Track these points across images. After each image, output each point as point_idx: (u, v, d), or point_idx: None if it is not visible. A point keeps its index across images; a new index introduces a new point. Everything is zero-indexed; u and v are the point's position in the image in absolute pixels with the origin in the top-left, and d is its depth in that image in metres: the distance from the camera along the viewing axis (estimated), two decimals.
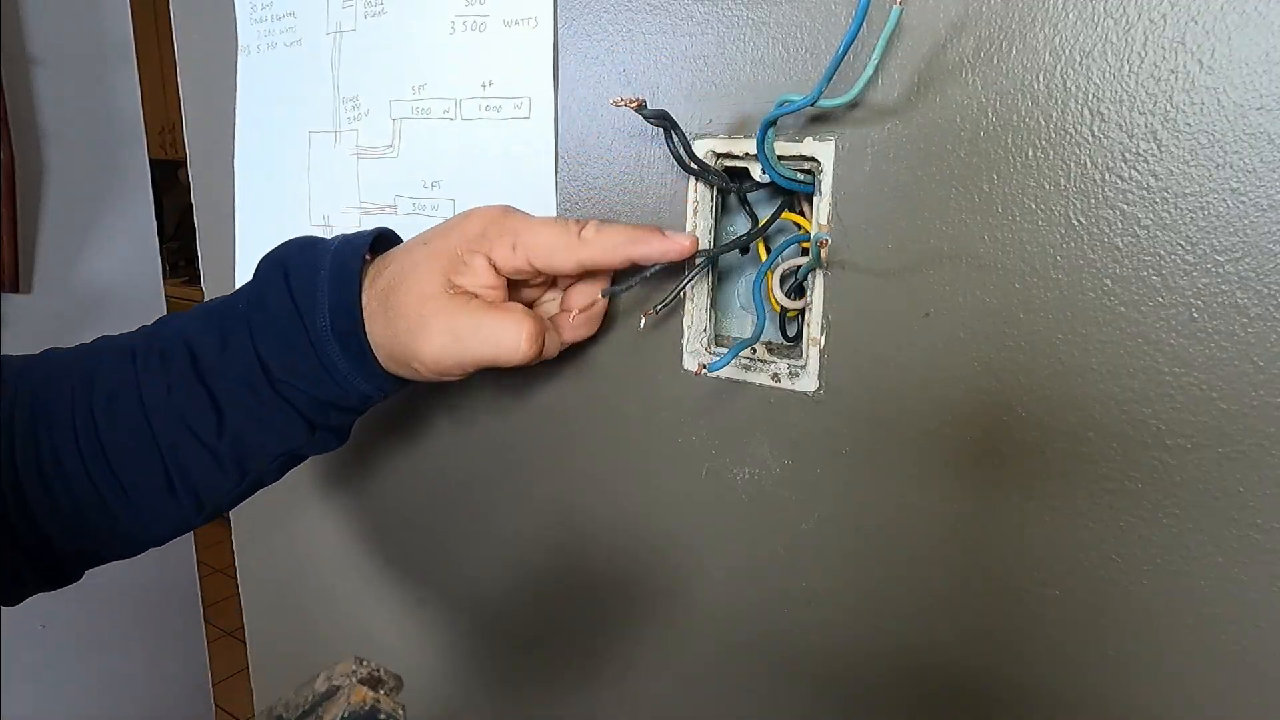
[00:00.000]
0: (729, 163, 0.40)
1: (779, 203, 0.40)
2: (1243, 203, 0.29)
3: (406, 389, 0.43)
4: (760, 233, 0.40)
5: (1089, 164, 0.31)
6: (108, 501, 0.39)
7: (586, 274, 0.41)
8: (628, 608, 0.49)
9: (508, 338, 0.37)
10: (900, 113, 0.35)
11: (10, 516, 0.38)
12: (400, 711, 0.27)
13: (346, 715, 0.26)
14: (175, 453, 0.39)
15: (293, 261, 0.40)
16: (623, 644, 0.50)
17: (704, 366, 0.37)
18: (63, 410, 0.39)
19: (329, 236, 0.41)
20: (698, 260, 0.39)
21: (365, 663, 0.28)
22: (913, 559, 0.39)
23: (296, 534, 0.68)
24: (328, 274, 0.39)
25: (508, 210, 0.39)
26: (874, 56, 0.32)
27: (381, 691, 0.27)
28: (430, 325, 0.37)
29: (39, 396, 0.39)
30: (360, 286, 0.39)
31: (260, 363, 0.39)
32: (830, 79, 0.32)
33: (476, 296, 0.38)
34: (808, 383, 0.39)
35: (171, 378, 0.39)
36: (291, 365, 0.39)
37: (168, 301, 1.39)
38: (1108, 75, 0.31)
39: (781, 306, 0.41)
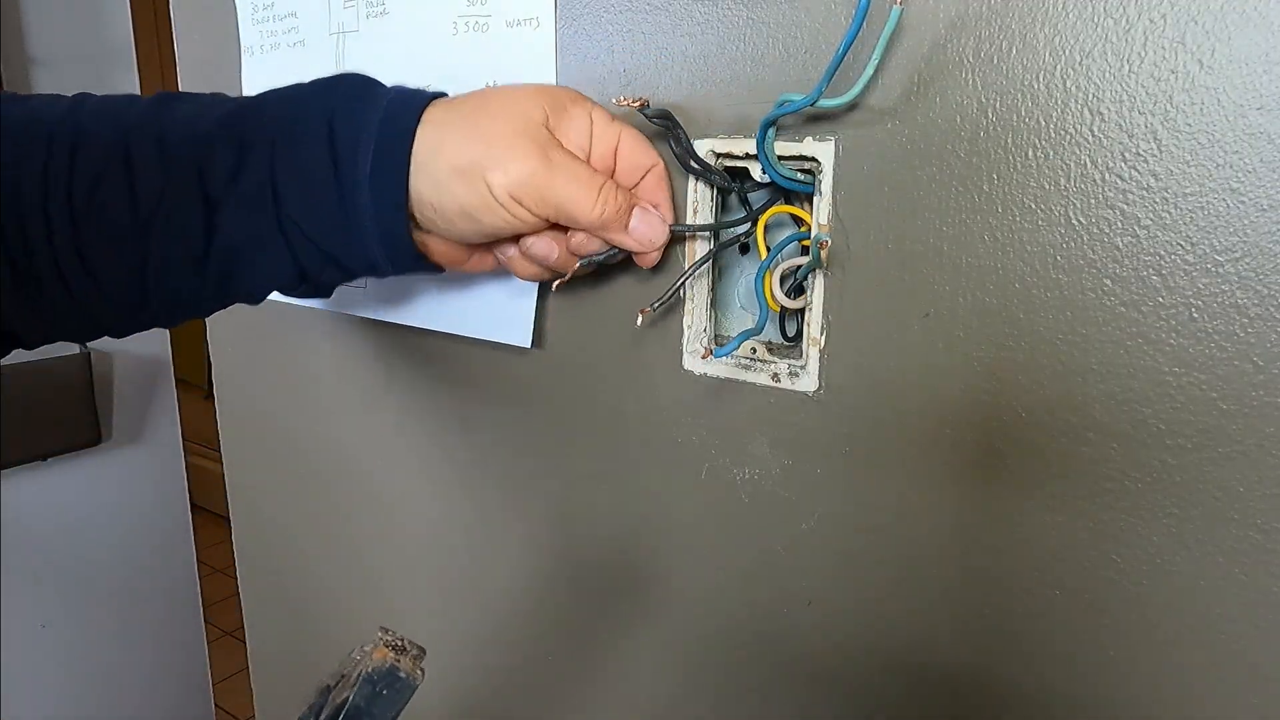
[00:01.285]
0: (729, 162, 0.40)
1: (777, 197, 0.41)
2: (1243, 203, 0.29)
3: (403, 272, 0.40)
4: (752, 217, 0.40)
5: (1089, 164, 0.31)
6: (71, 285, 0.36)
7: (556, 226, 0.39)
8: (626, 607, 0.49)
9: (590, 192, 0.36)
10: (900, 113, 0.35)
11: None
12: (419, 675, 0.29)
13: (369, 671, 0.28)
14: (160, 257, 0.36)
15: (341, 103, 0.37)
16: (621, 643, 0.50)
17: (710, 351, 0.37)
18: (33, 176, 0.35)
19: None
20: (696, 257, 0.39)
21: (390, 631, 0.30)
22: (913, 559, 0.39)
23: (297, 534, 0.68)
24: (378, 121, 0.36)
25: None
26: (874, 56, 0.32)
27: (404, 656, 0.28)
28: (523, 145, 0.35)
29: (6, 161, 0.35)
30: (411, 144, 0.36)
31: (274, 193, 0.36)
32: (830, 79, 0.32)
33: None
34: (808, 383, 0.39)
35: (170, 182, 0.36)
36: (309, 209, 0.37)
37: None
38: (1108, 75, 0.31)
39: (781, 306, 0.41)
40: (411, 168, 0.36)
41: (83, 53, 1.23)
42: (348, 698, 0.28)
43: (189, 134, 0.37)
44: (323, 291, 0.42)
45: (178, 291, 0.38)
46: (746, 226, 0.41)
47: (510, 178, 0.35)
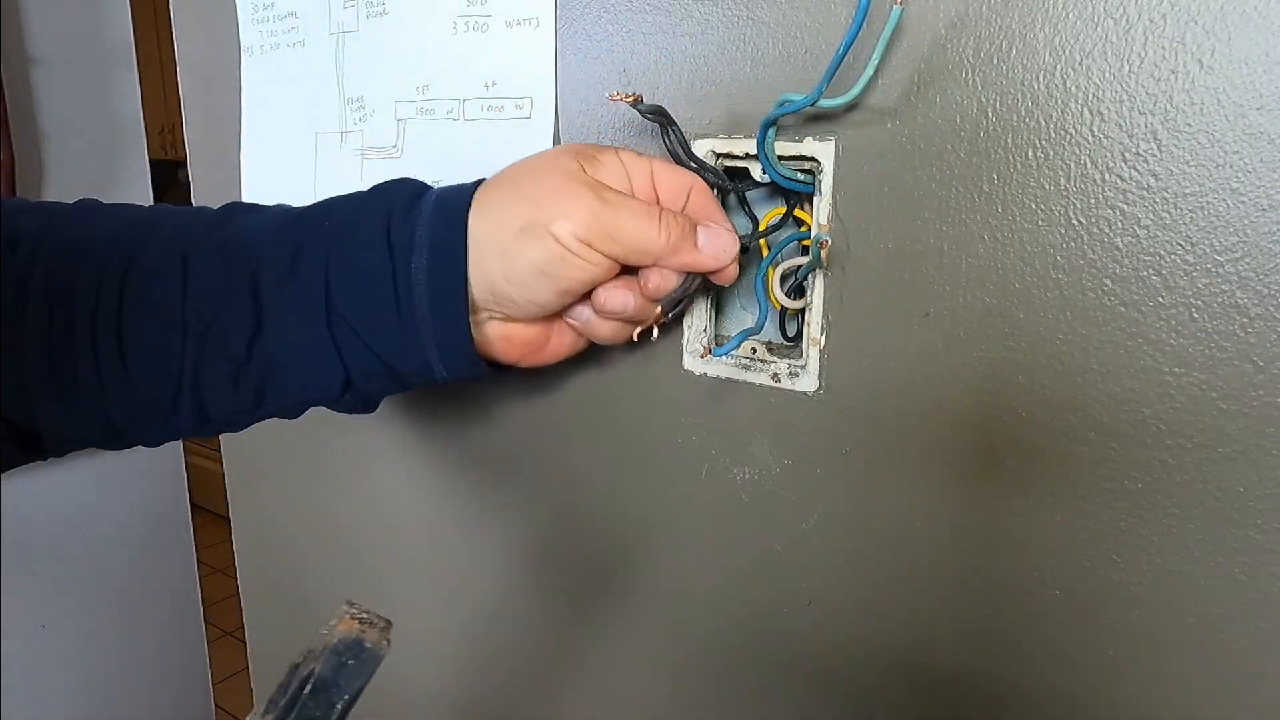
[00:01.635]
0: (729, 162, 0.40)
1: (784, 202, 0.40)
2: (1243, 203, 0.29)
3: (459, 376, 0.39)
4: (768, 233, 0.40)
5: (1089, 164, 0.31)
6: (108, 392, 0.36)
7: (625, 271, 0.38)
8: (627, 607, 0.49)
9: (652, 220, 0.35)
10: (900, 113, 0.35)
11: (1, 377, 0.35)
12: (385, 645, 0.29)
13: (335, 643, 0.28)
14: (197, 362, 0.37)
15: (397, 204, 0.37)
16: (621, 644, 0.50)
17: (709, 350, 0.37)
18: (87, 286, 0.36)
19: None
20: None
21: (356, 605, 0.30)
22: (913, 559, 0.39)
23: (297, 534, 0.68)
24: (430, 212, 0.36)
25: None
26: (874, 56, 0.32)
27: (370, 628, 0.29)
28: (577, 191, 0.35)
29: (66, 260, 0.36)
30: (465, 230, 0.36)
31: (327, 296, 0.36)
32: (830, 79, 0.32)
33: None
34: (808, 383, 0.39)
35: (223, 282, 0.36)
36: (363, 310, 0.37)
37: None
38: (1108, 75, 0.31)
39: (782, 305, 0.41)
40: (471, 251, 0.36)
41: (83, 53, 1.23)
42: (314, 669, 0.28)
43: (247, 241, 0.37)
44: (368, 404, 0.41)
45: (213, 400, 0.38)
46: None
47: (575, 223, 0.34)
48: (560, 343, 0.41)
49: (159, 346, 0.36)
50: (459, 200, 0.36)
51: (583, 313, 0.39)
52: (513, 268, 0.35)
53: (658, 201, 0.38)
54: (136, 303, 0.36)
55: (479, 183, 0.38)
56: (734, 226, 0.39)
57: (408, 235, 0.36)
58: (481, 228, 0.36)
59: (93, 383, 0.36)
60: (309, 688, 0.27)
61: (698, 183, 0.38)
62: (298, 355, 0.37)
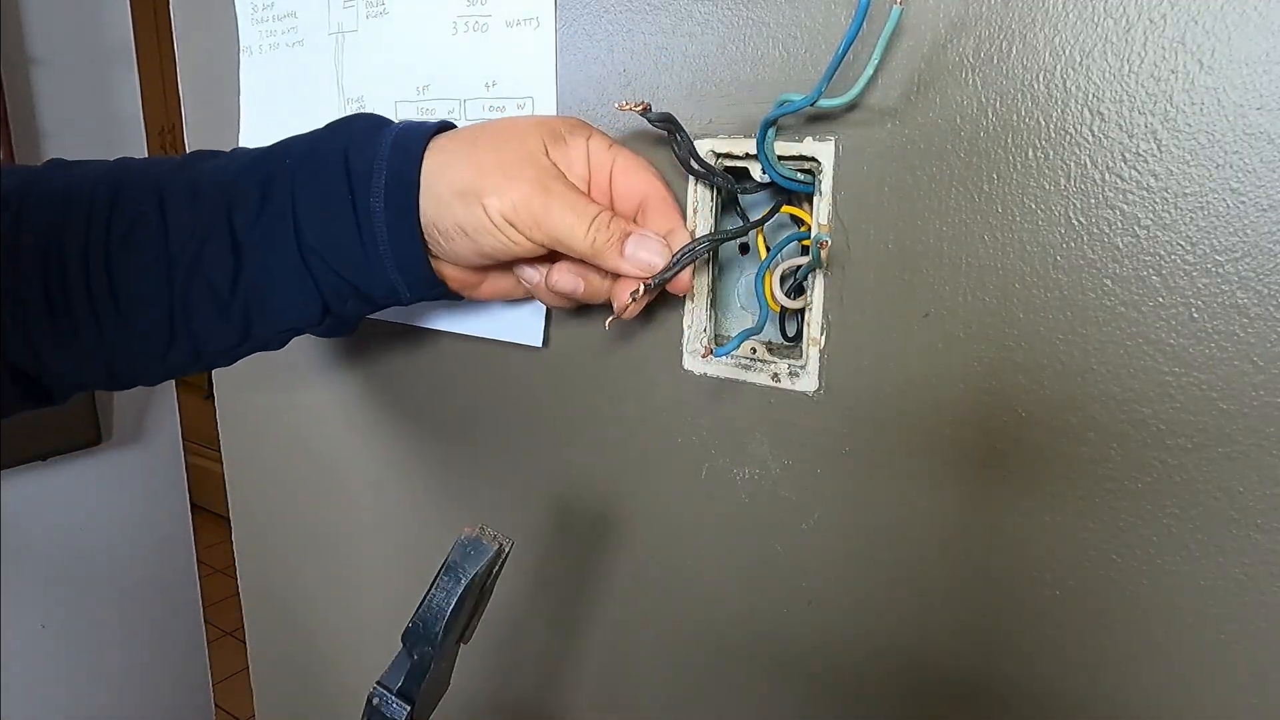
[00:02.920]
0: (729, 163, 0.40)
1: (779, 200, 0.40)
2: (1243, 203, 0.29)
3: (423, 298, 0.41)
4: (760, 224, 0.40)
5: (1089, 164, 0.31)
6: (105, 331, 0.39)
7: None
8: (626, 607, 0.49)
9: (584, 220, 0.36)
10: (900, 113, 0.35)
11: (4, 327, 0.37)
12: (496, 544, 0.34)
13: (461, 539, 0.34)
14: (185, 297, 0.39)
15: (355, 137, 0.39)
16: (621, 643, 0.50)
17: (710, 350, 0.37)
18: (76, 229, 0.38)
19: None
20: (698, 247, 0.38)
21: (485, 525, 0.36)
22: (912, 559, 0.39)
23: (297, 534, 0.68)
24: (388, 147, 0.38)
25: None
26: (874, 57, 0.32)
27: (487, 534, 0.34)
28: (523, 173, 0.36)
29: (53, 209, 0.38)
30: (420, 165, 0.37)
31: (296, 227, 0.38)
32: (830, 79, 0.32)
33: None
34: (808, 383, 0.39)
35: (200, 221, 0.38)
36: (329, 239, 0.38)
37: None
38: (1108, 75, 0.31)
39: (781, 306, 0.41)
40: (420, 192, 0.37)
41: (83, 53, 1.23)
42: (445, 559, 0.34)
43: (218, 179, 0.39)
44: (346, 327, 0.43)
45: (203, 332, 0.40)
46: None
47: (505, 202, 0.36)
48: (494, 288, 0.43)
49: (147, 284, 0.38)
50: (417, 140, 0.38)
51: (531, 276, 0.41)
52: (442, 219, 0.37)
53: (610, 197, 0.39)
54: (122, 243, 0.38)
55: (441, 124, 0.40)
56: (691, 232, 0.39)
57: (365, 165, 0.38)
58: (429, 174, 0.37)
59: (90, 324, 0.38)
60: (440, 570, 0.34)
61: (656, 191, 0.39)
62: (276, 286, 0.39)
